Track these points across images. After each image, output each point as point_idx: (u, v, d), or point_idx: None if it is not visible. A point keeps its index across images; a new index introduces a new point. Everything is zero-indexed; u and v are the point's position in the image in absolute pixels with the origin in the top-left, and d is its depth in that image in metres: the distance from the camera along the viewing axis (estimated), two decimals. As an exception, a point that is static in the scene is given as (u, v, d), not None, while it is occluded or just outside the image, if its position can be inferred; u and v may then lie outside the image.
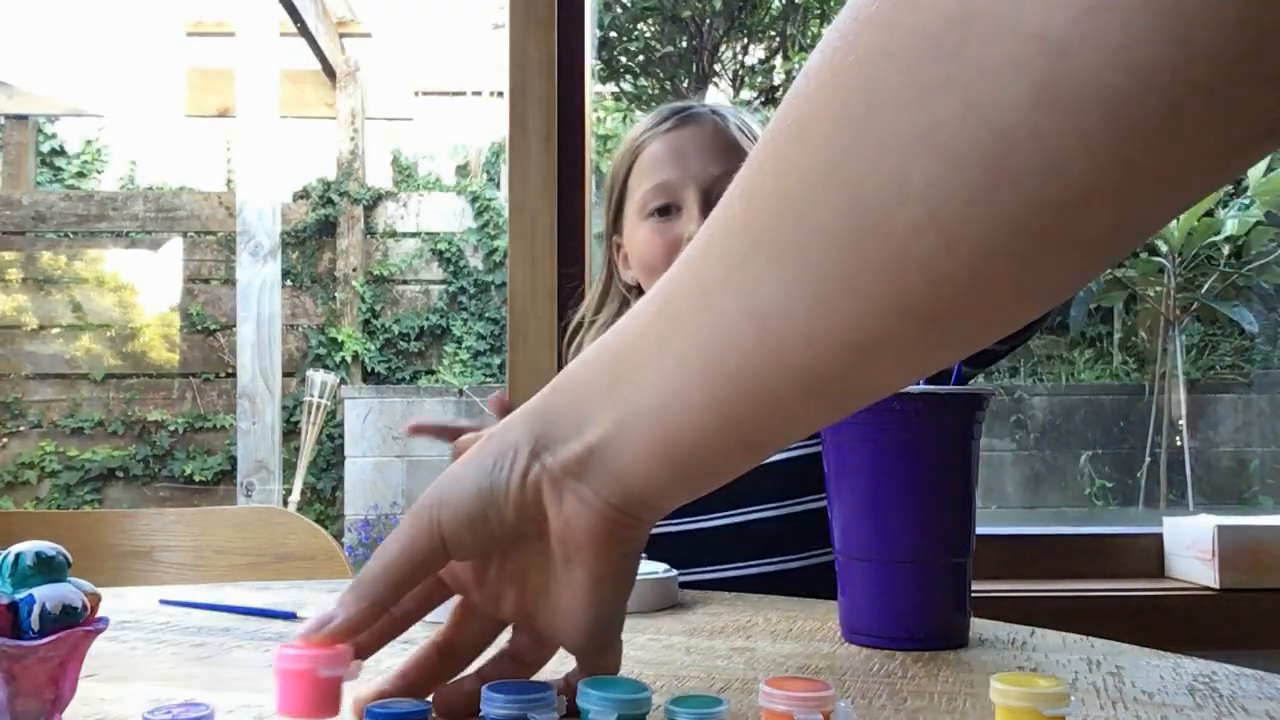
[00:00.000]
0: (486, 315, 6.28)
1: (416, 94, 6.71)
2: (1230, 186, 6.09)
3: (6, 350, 6.12)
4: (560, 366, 1.16)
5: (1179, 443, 6.17)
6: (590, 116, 1.54)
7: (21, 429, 6.01)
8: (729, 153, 1.06)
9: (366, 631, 0.42)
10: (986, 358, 0.91)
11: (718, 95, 6.47)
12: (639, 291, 1.13)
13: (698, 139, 1.06)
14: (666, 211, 1.05)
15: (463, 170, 6.75)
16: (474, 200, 6.43)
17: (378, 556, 0.42)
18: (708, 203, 1.03)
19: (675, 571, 0.78)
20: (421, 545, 0.42)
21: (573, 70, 1.52)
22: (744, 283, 0.35)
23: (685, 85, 6.24)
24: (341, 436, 5.83)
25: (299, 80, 6.24)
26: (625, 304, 1.16)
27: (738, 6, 6.17)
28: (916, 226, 0.30)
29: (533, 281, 1.49)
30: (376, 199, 6.42)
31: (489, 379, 5.99)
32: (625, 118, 6.24)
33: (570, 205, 1.49)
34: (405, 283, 6.38)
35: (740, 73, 6.44)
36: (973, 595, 0.65)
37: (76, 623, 0.40)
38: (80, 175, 6.96)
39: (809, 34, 6.36)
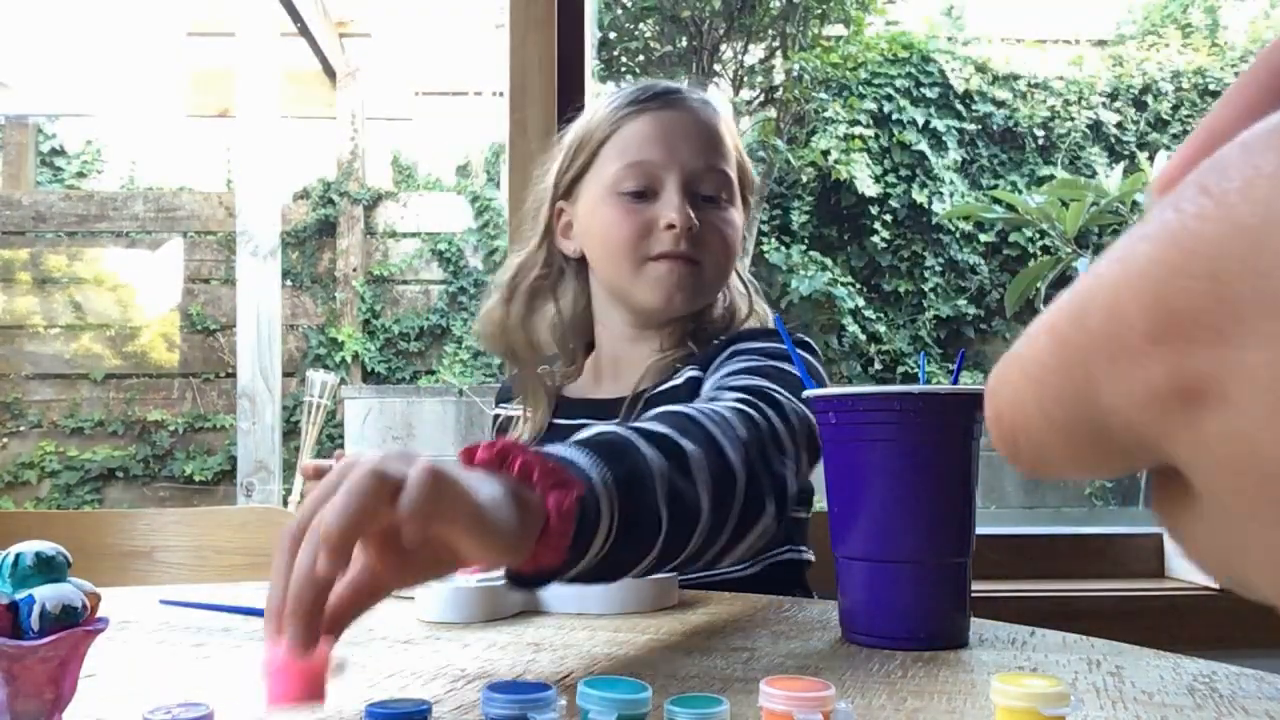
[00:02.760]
0: (486, 315, 6.28)
1: (416, 94, 6.71)
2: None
3: (7, 350, 6.12)
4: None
5: (1179, 443, 6.15)
6: (590, 116, 1.53)
7: (21, 429, 6.01)
8: (713, 146, 1.01)
9: None
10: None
11: (717, 95, 6.47)
12: (580, 264, 1.06)
13: (686, 125, 1.00)
14: (642, 195, 0.99)
15: (463, 170, 6.75)
16: (474, 200, 6.43)
17: None
18: (689, 193, 0.99)
19: (675, 572, 0.78)
20: None
21: (573, 70, 1.52)
22: None
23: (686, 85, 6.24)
24: (341, 436, 5.83)
25: (299, 80, 6.24)
26: (563, 276, 1.08)
27: (738, 6, 6.16)
28: None
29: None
30: (376, 199, 6.42)
31: (489, 379, 5.98)
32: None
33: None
34: (405, 283, 6.38)
35: (740, 73, 6.43)
36: (973, 595, 0.65)
37: (76, 623, 0.40)
38: (80, 175, 6.96)
39: (809, 34, 6.35)
